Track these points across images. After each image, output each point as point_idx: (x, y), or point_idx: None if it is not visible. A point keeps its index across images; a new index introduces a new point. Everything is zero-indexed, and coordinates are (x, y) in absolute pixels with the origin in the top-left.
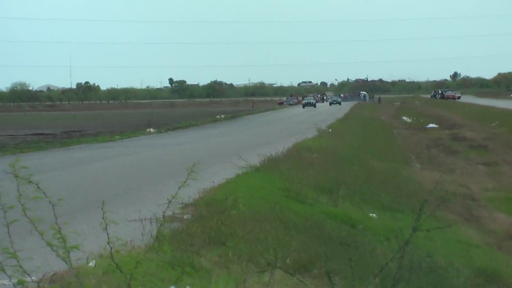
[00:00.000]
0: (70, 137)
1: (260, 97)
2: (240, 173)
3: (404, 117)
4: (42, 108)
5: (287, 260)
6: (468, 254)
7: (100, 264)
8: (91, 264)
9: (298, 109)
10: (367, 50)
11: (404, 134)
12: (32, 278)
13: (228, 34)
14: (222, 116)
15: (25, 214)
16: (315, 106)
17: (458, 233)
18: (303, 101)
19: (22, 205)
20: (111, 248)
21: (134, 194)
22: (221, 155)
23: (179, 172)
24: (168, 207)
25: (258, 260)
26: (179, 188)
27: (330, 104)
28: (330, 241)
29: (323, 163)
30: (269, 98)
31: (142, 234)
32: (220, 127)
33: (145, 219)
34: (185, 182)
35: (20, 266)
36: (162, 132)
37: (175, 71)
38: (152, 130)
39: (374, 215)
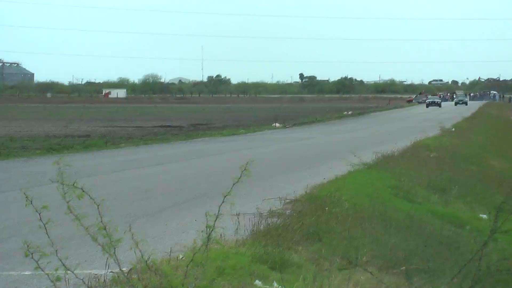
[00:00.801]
0: (196, 129)
1: (390, 94)
2: (352, 170)
3: None
4: (172, 100)
5: (364, 258)
6: None
7: (190, 257)
8: (181, 256)
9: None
10: (500, 49)
11: None
12: (123, 269)
13: (359, 30)
14: (349, 112)
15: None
16: (440, 106)
17: None
18: (426, 100)
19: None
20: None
21: (243, 189)
22: (339, 151)
23: (293, 168)
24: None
25: (351, 257)
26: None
27: (456, 104)
28: (430, 241)
29: (440, 162)
30: (399, 96)
31: (237, 228)
32: (345, 124)
33: (247, 214)
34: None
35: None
36: (287, 127)
37: (306, 66)
38: (277, 124)
39: (485, 216)
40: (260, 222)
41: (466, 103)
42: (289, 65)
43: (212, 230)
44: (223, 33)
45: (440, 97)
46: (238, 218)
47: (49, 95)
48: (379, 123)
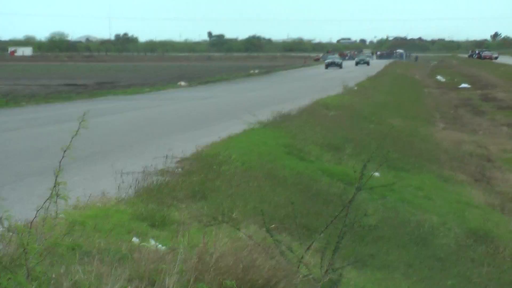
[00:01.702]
0: (101, 88)
1: (298, 53)
2: (247, 128)
3: (438, 76)
4: (79, 59)
5: (233, 215)
6: (464, 214)
7: (71, 215)
8: (61, 215)
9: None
10: (408, 8)
11: (435, 94)
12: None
13: None
14: (256, 71)
15: None
16: (341, 67)
17: (461, 193)
18: (325, 61)
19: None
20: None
21: (138, 147)
22: (240, 110)
23: (191, 127)
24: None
25: (233, 215)
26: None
27: (356, 64)
28: (316, 198)
29: (337, 120)
30: (307, 54)
31: (119, 187)
32: (251, 82)
33: (135, 172)
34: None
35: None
36: (192, 85)
37: (214, 24)
38: (183, 83)
39: (377, 173)
40: (145, 180)
41: (367, 63)
42: (197, 23)
43: (58, 185)
44: None
45: (346, 56)
46: (121, 176)
47: None
48: (284, 82)
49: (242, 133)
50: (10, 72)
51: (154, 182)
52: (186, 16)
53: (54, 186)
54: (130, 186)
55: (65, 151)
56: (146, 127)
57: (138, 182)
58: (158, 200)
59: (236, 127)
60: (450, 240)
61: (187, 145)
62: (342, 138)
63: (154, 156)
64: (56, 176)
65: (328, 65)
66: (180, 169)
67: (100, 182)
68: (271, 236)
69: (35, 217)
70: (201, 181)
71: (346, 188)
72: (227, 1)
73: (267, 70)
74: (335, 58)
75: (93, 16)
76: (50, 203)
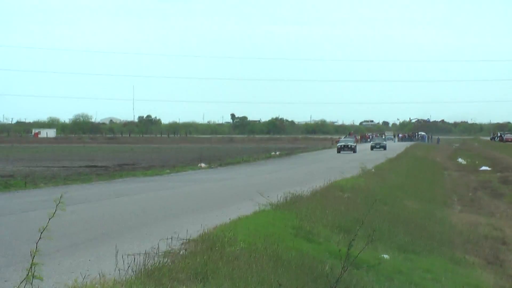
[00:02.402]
0: (122, 169)
1: (320, 135)
2: (258, 210)
3: (459, 159)
4: (102, 140)
5: None
6: None
7: None
8: None
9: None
10: (430, 91)
11: (454, 176)
12: None
13: (290, 71)
14: (277, 153)
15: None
16: (354, 151)
17: (471, 276)
18: (337, 144)
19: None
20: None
21: (146, 229)
22: (255, 192)
23: (203, 208)
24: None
25: None
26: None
27: (372, 148)
28: (320, 280)
29: (351, 202)
30: (329, 136)
31: (116, 269)
32: (271, 164)
33: (139, 254)
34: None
35: None
36: (212, 167)
37: (237, 106)
38: (203, 165)
39: (386, 256)
40: (147, 261)
41: (384, 147)
42: (220, 106)
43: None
44: (154, 73)
45: (368, 138)
46: (122, 258)
47: None
48: (304, 164)
49: (252, 215)
50: (33, 153)
51: (156, 263)
52: (209, 99)
53: (30, 267)
54: (129, 268)
55: (41, 233)
56: (158, 209)
57: (139, 264)
58: (157, 282)
59: (247, 209)
60: None
61: (196, 226)
62: (353, 220)
63: (161, 238)
64: (33, 257)
65: (340, 149)
66: (184, 251)
67: (104, 264)
68: None
69: None
70: (204, 262)
71: (351, 271)
72: (250, 84)
73: (288, 152)
74: (348, 140)
75: (116, 98)
76: (26, 283)
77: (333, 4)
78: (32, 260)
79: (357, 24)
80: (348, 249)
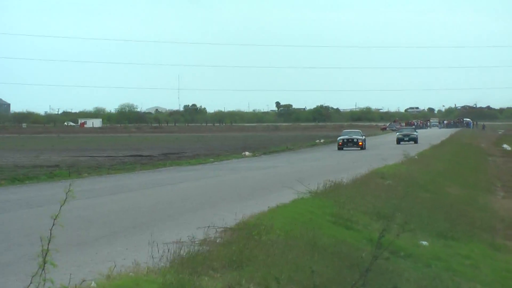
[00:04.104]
0: (166, 159)
1: (365, 122)
2: (297, 198)
3: (504, 145)
4: (147, 130)
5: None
6: (510, 283)
7: (101, 285)
8: (93, 284)
9: None
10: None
11: (499, 162)
12: None
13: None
14: (322, 140)
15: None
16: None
17: (511, 262)
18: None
19: None
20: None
21: (186, 217)
22: (297, 180)
23: (243, 197)
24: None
25: (268, 284)
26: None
27: (398, 141)
28: (355, 267)
29: (392, 189)
30: (374, 123)
31: (151, 257)
32: (315, 152)
33: (176, 242)
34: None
35: None
36: (256, 155)
37: (282, 94)
38: (247, 153)
39: (425, 242)
40: (182, 250)
41: (414, 140)
42: (265, 94)
43: (46, 253)
44: (199, 63)
45: (413, 124)
46: (157, 246)
47: (24, 125)
48: (349, 151)
49: (290, 203)
50: (79, 143)
51: (190, 252)
52: (254, 87)
53: (44, 263)
54: (163, 256)
55: (54, 220)
56: (199, 197)
57: (174, 252)
58: (192, 269)
59: (287, 197)
60: None
61: (234, 215)
62: (393, 207)
63: (198, 226)
64: (45, 256)
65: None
66: (220, 239)
67: (141, 253)
68: None
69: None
70: (239, 251)
71: (389, 257)
72: (295, 72)
73: (332, 140)
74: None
75: (162, 88)
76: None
77: None
78: (48, 246)
79: (403, 10)
80: (380, 237)
